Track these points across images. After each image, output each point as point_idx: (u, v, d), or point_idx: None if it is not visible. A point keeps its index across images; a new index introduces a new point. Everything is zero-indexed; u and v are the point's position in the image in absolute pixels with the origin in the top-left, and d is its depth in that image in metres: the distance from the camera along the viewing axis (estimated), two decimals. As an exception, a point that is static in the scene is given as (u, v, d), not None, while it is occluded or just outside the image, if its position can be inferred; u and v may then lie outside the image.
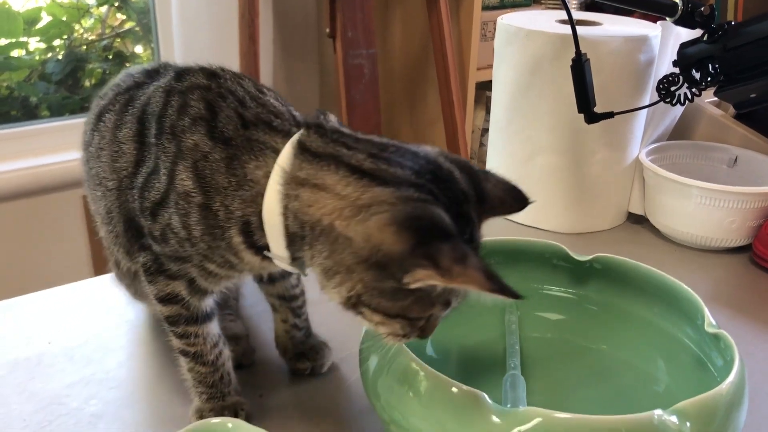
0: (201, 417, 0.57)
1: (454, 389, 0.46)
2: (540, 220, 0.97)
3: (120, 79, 0.63)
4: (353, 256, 0.45)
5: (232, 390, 0.60)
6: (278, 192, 0.48)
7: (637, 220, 1.00)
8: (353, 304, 0.47)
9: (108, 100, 0.61)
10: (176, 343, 0.59)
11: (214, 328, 0.59)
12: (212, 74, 0.55)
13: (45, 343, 0.70)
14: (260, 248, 0.52)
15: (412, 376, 0.48)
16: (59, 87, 1.89)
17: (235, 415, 0.58)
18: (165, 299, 0.57)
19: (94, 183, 0.61)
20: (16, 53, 1.85)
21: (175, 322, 0.58)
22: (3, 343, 0.70)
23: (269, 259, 0.52)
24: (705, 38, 0.86)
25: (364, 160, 0.47)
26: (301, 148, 0.49)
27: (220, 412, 0.58)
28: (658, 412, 0.44)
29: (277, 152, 0.49)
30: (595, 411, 0.44)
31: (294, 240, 0.49)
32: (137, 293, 0.68)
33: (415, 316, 0.48)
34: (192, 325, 0.58)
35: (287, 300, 0.65)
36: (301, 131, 0.50)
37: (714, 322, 0.55)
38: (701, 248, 0.92)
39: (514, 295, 0.44)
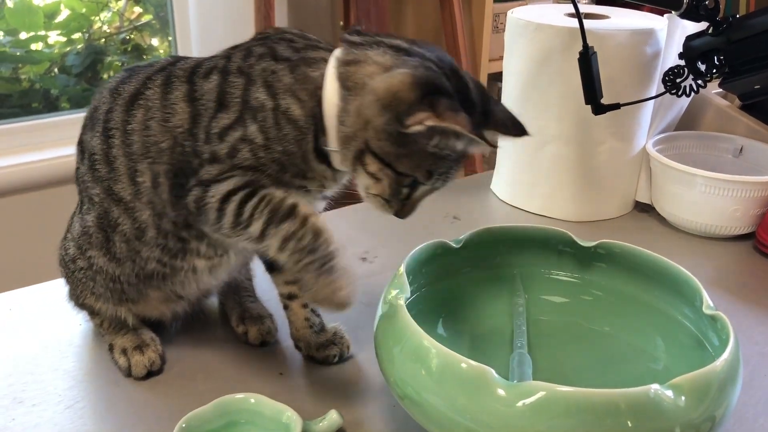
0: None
1: (464, 365, 0.49)
2: (549, 209, 0.99)
3: (139, 69, 0.66)
4: (374, 104, 0.57)
5: (337, 250, 0.58)
6: (333, 73, 0.59)
7: (644, 208, 1.02)
8: (359, 155, 0.59)
9: (139, 82, 0.64)
10: (249, 232, 0.58)
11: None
12: (264, 35, 0.65)
13: (76, 324, 0.74)
14: (322, 155, 0.61)
15: (425, 353, 0.51)
16: (79, 79, 1.93)
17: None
18: (226, 198, 0.59)
19: (135, 157, 0.63)
20: (35, 47, 1.88)
21: (240, 209, 0.58)
22: (36, 324, 0.74)
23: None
24: (710, 31, 0.88)
25: (401, 42, 0.61)
26: (348, 43, 0.61)
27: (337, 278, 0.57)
28: (654, 386, 0.47)
29: (326, 61, 0.60)
30: (597, 387, 0.47)
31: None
32: (131, 295, 0.68)
33: (402, 170, 0.59)
34: (253, 197, 0.58)
35: None
36: (345, 35, 0.62)
37: (711, 304, 0.58)
38: (706, 236, 0.95)
39: (485, 141, 0.57)
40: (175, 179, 0.62)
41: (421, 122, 0.55)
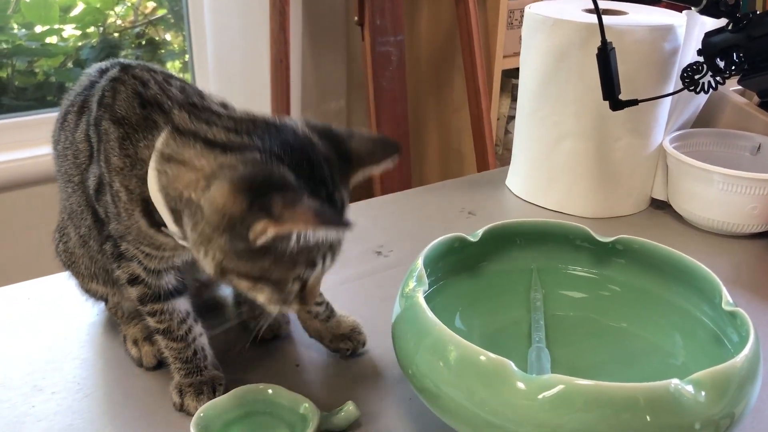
0: (180, 392, 0.60)
1: (483, 358, 0.49)
2: (565, 205, 0.99)
3: (81, 79, 0.64)
4: (207, 225, 0.48)
5: (209, 365, 0.62)
6: (154, 169, 0.51)
7: (660, 205, 1.02)
8: (222, 272, 0.50)
9: (69, 101, 0.63)
10: (149, 321, 0.62)
11: (180, 304, 0.62)
12: (124, 67, 0.57)
13: (94, 314, 0.74)
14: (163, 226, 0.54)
15: (443, 346, 0.51)
16: (93, 73, 1.94)
17: (213, 391, 0.60)
18: (130, 281, 0.61)
19: (64, 180, 0.64)
20: (50, 40, 1.89)
21: (143, 300, 0.61)
22: (55, 313, 0.74)
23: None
24: (730, 27, 0.87)
25: (218, 133, 0.50)
26: (172, 127, 0.52)
27: (198, 387, 0.60)
28: (674, 381, 0.46)
29: (161, 130, 0.52)
30: (615, 381, 0.47)
31: (176, 216, 0.52)
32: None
33: (278, 277, 0.50)
34: (157, 303, 0.61)
35: None
36: (175, 112, 0.53)
37: (731, 301, 0.58)
38: (723, 233, 0.94)
39: (342, 224, 0.47)
40: (94, 215, 0.61)
41: (264, 234, 0.46)
